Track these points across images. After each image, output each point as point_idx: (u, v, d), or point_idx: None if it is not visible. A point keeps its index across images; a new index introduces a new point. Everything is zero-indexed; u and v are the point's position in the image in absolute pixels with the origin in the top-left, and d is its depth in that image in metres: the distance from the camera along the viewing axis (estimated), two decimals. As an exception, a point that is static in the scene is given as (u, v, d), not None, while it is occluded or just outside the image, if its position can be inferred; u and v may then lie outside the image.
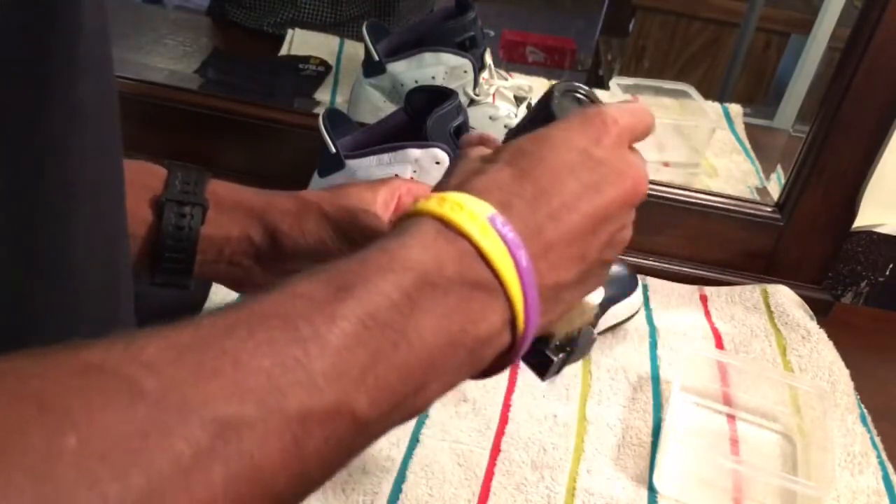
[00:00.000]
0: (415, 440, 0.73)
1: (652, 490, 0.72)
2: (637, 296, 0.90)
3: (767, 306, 0.97)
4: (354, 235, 0.58)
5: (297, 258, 0.58)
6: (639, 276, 0.92)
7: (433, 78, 0.96)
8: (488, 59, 1.01)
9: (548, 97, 0.48)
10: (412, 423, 0.75)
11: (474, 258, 0.35)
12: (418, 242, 0.35)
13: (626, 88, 1.20)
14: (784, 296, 0.98)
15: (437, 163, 0.81)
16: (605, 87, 1.23)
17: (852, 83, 0.92)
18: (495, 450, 0.73)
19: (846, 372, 0.87)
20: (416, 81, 0.94)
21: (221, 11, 1.28)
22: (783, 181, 1.02)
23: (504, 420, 0.77)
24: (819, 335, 0.92)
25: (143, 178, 0.56)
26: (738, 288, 1.00)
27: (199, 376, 0.26)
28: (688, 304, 0.97)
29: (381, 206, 0.62)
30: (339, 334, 0.30)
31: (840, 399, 0.84)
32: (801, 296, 0.99)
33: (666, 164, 1.16)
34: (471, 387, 0.79)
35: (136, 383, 0.24)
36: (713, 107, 1.26)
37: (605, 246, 0.42)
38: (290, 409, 0.28)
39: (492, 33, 1.02)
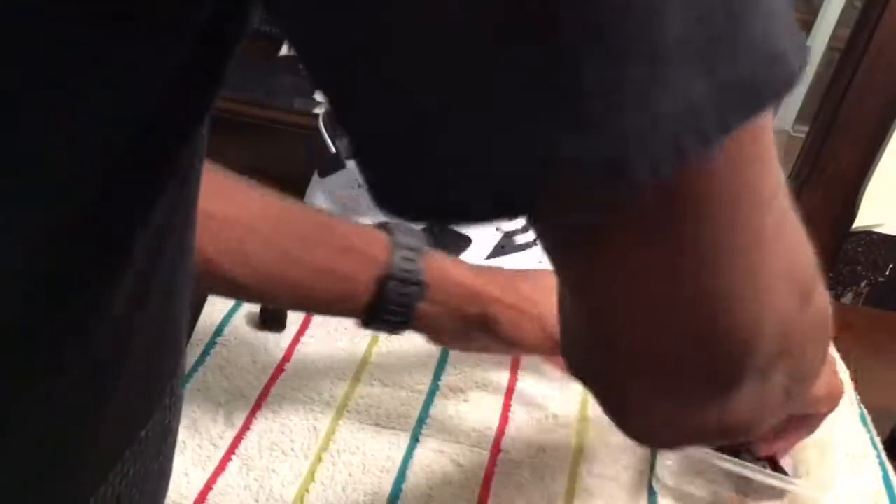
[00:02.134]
0: (415, 440, 0.73)
1: (652, 490, 0.72)
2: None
3: (767, 306, 0.97)
4: None
5: (507, 346, 0.66)
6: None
7: None
8: None
9: None
10: (412, 423, 0.75)
11: None
12: None
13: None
14: (784, 296, 0.98)
15: (437, 163, 0.81)
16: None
17: (852, 83, 0.92)
18: (495, 450, 0.73)
19: (846, 372, 0.87)
20: None
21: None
22: (783, 181, 1.02)
23: (504, 420, 0.77)
24: (819, 335, 0.92)
25: (367, 248, 0.61)
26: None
27: None
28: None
29: None
30: None
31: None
32: (801, 296, 0.98)
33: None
34: (471, 386, 0.79)
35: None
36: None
37: None
38: None
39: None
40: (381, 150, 0.24)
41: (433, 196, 0.23)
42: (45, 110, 0.27)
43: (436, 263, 0.63)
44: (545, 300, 0.65)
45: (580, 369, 0.32)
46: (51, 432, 0.34)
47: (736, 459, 0.68)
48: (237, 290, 0.61)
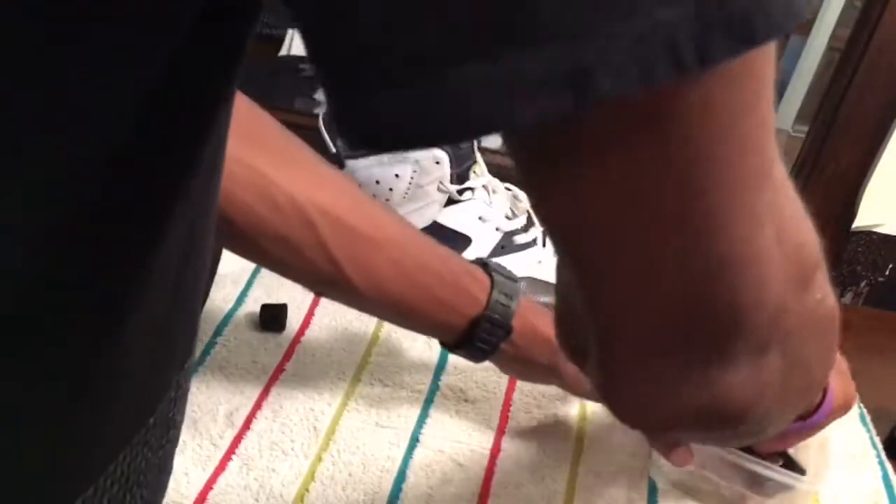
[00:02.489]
0: (415, 440, 0.73)
1: (652, 489, 0.72)
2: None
3: (767, 306, 0.97)
4: None
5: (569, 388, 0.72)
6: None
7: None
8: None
9: None
10: (412, 423, 0.75)
11: None
12: None
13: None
14: (784, 296, 0.98)
15: (437, 162, 0.81)
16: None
17: (852, 83, 0.92)
18: (496, 449, 0.73)
19: (846, 372, 0.87)
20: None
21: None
22: (783, 181, 1.02)
23: (504, 420, 0.77)
24: (819, 335, 0.92)
25: (471, 285, 0.66)
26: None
27: None
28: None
29: None
30: None
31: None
32: (801, 296, 0.99)
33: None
34: (471, 386, 0.79)
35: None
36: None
37: None
38: None
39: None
40: (352, 72, 0.23)
41: (402, 118, 0.22)
42: (40, 109, 0.27)
43: (524, 311, 0.68)
44: None
45: (572, 347, 0.32)
46: (52, 423, 0.34)
47: (743, 454, 0.68)
48: (350, 296, 0.64)
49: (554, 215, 0.27)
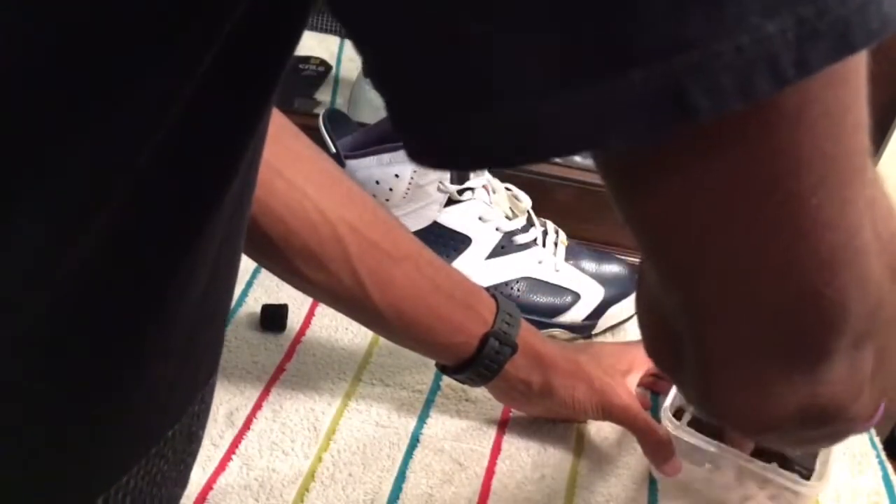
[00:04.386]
0: (415, 440, 0.73)
1: (653, 488, 0.72)
2: (637, 296, 0.90)
3: (767, 306, 0.97)
4: (613, 413, 0.71)
5: (563, 410, 0.72)
6: (639, 276, 0.92)
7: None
8: None
9: None
10: (412, 423, 0.75)
11: None
12: None
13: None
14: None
15: (438, 163, 0.81)
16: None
17: (852, 83, 0.92)
18: (496, 449, 0.74)
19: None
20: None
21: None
22: (783, 181, 1.02)
23: (505, 419, 0.77)
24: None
25: (479, 306, 0.68)
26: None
27: None
28: (688, 303, 0.97)
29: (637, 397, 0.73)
30: None
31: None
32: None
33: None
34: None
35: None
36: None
37: None
38: None
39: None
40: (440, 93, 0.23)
41: (494, 140, 0.23)
42: (70, 130, 0.27)
43: (522, 331, 0.69)
44: (597, 371, 0.72)
45: (663, 355, 0.32)
46: (73, 428, 0.35)
47: (744, 455, 0.68)
48: (368, 314, 0.65)
49: (650, 224, 0.27)
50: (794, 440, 0.39)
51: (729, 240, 0.25)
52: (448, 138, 0.23)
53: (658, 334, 0.32)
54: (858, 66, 0.24)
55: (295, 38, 0.31)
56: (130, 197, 0.29)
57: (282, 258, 0.61)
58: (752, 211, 0.25)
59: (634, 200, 0.26)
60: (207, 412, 0.44)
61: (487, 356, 0.67)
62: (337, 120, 0.84)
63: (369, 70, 0.24)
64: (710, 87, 0.21)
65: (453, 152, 0.24)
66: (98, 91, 0.26)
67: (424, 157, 0.24)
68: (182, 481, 0.44)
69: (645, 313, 0.32)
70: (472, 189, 0.88)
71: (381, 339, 0.83)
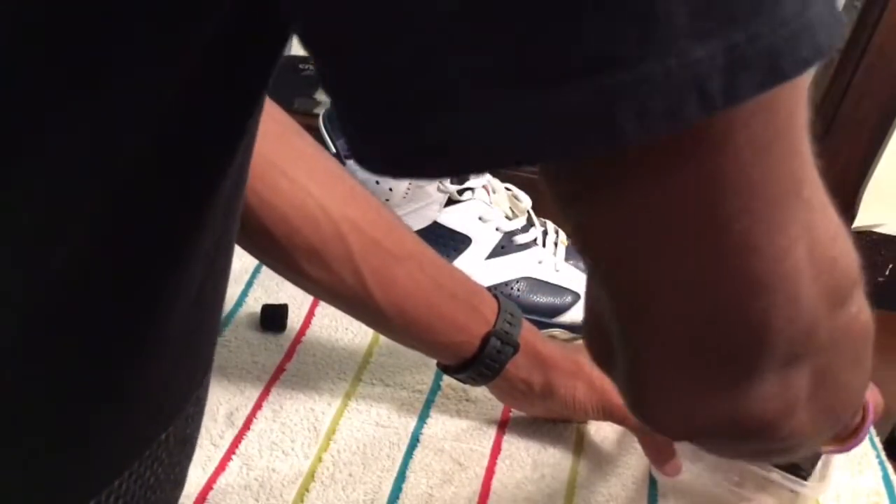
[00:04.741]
0: (415, 440, 0.73)
1: (653, 487, 0.72)
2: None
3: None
4: (613, 413, 0.71)
5: (564, 411, 0.72)
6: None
7: None
8: None
9: None
10: (412, 423, 0.75)
11: None
12: None
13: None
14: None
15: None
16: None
17: (852, 83, 0.92)
18: (496, 449, 0.73)
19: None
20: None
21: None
22: (783, 181, 1.02)
23: (505, 419, 0.77)
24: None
25: (481, 305, 0.67)
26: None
27: None
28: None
29: None
30: None
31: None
32: (801, 296, 0.98)
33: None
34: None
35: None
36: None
37: None
38: None
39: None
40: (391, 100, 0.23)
41: (446, 146, 0.22)
42: (57, 135, 0.27)
43: (524, 331, 0.69)
44: (598, 371, 0.69)
45: (600, 355, 0.32)
46: (64, 431, 0.34)
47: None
48: (371, 313, 0.65)
49: (582, 234, 0.27)
50: (731, 452, 0.40)
51: (654, 258, 0.26)
52: (383, 148, 0.23)
53: (594, 333, 0.32)
54: (793, 92, 0.23)
55: (280, 48, 0.31)
56: (121, 194, 0.29)
57: (284, 256, 0.61)
58: (677, 232, 0.25)
59: (567, 210, 0.27)
60: (202, 414, 0.44)
61: (489, 356, 0.67)
62: (337, 120, 0.83)
63: (323, 82, 0.24)
64: (637, 109, 0.21)
65: (388, 161, 0.24)
66: (80, 81, 0.26)
67: (369, 162, 0.24)
68: (178, 484, 0.44)
69: (587, 309, 0.33)
70: (472, 189, 0.88)
71: (382, 339, 0.83)
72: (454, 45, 0.21)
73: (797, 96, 0.24)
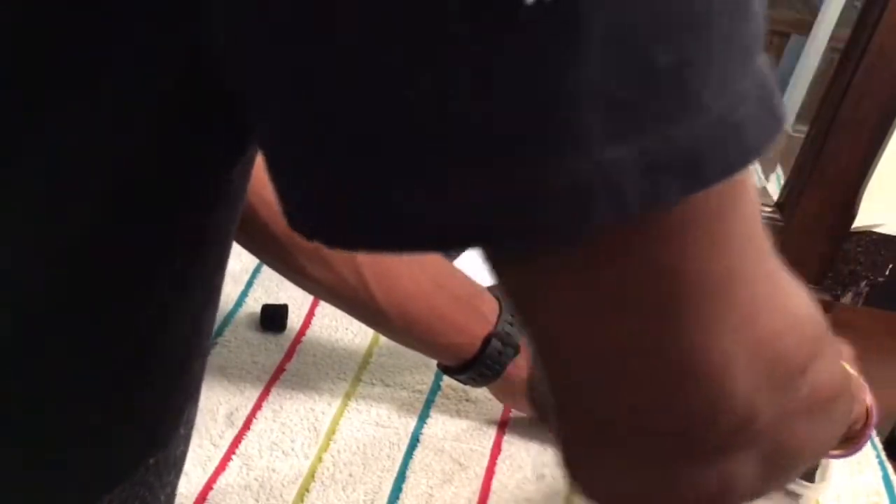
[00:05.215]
0: (415, 440, 0.73)
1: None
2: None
3: (767, 306, 0.97)
4: None
5: None
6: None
7: None
8: None
9: None
10: (412, 423, 0.75)
11: None
12: None
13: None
14: (784, 296, 0.98)
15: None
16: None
17: (852, 83, 0.92)
18: (496, 449, 0.73)
19: (846, 372, 0.87)
20: None
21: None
22: (783, 181, 1.02)
23: (505, 419, 0.77)
24: (819, 335, 0.92)
25: (482, 305, 0.67)
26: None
27: None
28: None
29: None
30: None
31: (840, 399, 0.84)
32: (801, 296, 0.98)
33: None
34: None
35: None
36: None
37: None
38: None
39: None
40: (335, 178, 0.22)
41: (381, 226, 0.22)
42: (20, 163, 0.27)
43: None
44: None
45: (539, 410, 0.32)
46: (58, 446, 0.34)
47: None
48: (372, 313, 0.65)
49: (518, 307, 0.26)
50: None
51: (579, 341, 0.25)
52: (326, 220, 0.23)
53: (534, 386, 0.32)
54: (731, 186, 0.22)
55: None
56: (121, 194, 0.29)
57: (286, 255, 0.61)
58: (606, 318, 0.24)
59: (499, 283, 0.26)
60: (191, 432, 0.44)
61: (490, 357, 0.67)
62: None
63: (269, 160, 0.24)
64: (548, 212, 0.20)
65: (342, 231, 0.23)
66: (80, 81, 0.26)
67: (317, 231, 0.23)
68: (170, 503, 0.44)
69: (532, 365, 0.32)
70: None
71: (382, 339, 0.83)
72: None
73: (737, 190, 0.23)
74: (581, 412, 0.28)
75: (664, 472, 0.28)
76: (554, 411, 0.29)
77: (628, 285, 0.23)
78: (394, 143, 0.20)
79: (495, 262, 0.25)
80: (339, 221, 0.22)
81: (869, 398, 0.58)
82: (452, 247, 0.22)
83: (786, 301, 0.27)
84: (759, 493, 0.32)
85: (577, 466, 0.30)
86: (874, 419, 0.57)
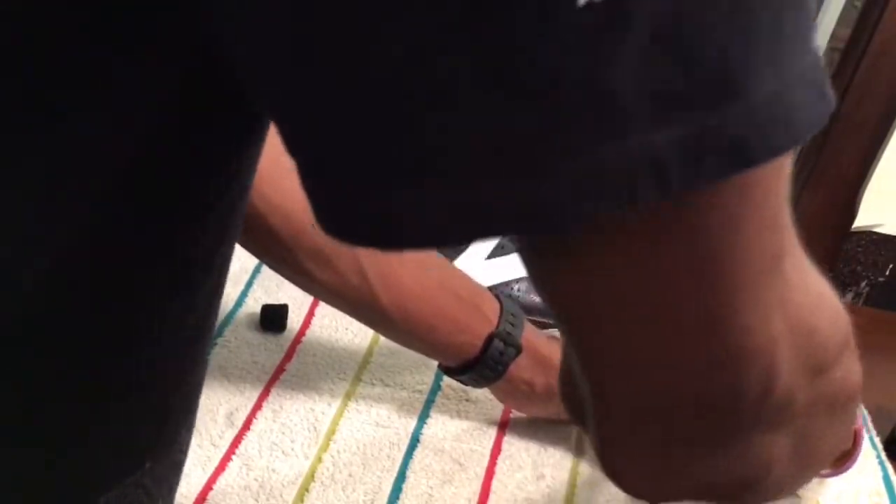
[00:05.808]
0: (415, 440, 0.73)
1: (652, 490, 0.72)
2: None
3: (767, 306, 0.97)
4: None
5: (561, 409, 0.69)
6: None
7: None
8: None
9: None
10: (412, 424, 0.75)
11: None
12: None
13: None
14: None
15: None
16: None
17: (852, 83, 0.92)
18: (496, 449, 0.73)
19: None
20: None
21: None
22: (783, 181, 1.02)
23: (505, 419, 0.77)
24: (819, 335, 0.92)
25: (483, 305, 0.67)
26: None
27: None
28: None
29: None
30: None
31: (840, 399, 0.84)
32: (801, 296, 0.98)
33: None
34: (471, 387, 0.79)
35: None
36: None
37: None
38: None
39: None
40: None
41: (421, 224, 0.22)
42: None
43: (526, 332, 0.68)
44: None
45: (573, 406, 0.32)
46: (57, 447, 0.34)
47: None
48: (375, 314, 0.65)
49: (557, 301, 0.27)
50: None
51: (621, 327, 0.25)
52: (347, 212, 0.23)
53: (567, 384, 0.32)
54: (770, 168, 0.23)
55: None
56: (121, 195, 0.29)
57: (289, 257, 0.61)
58: (645, 304, 0.25)
59: (541, 282, 0.26)
60: (191, 436, 0.44)
61: (492, 357, 0.67)
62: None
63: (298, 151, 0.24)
64: (594, 191, 0.20)
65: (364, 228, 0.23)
66: (80, 81, 0.26)
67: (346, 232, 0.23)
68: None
69: (563, 358, 0.32)
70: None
71: (382, 339, 0.83)
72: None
73: (775, 171, 0.23)
74: (623, 404, 0.28)
75: (709, 453, 0.29)
76: (592, 403, 0.29)
77: (679, 266, 0.24)
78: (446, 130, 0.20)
79: (536, 251, 0.25)
80: (378, 221, 0.22)
81: (858, 421, 0.58)
82: (500, 233, 0.22)
83: (819, 287, 0.28)
84: (787, 484, 0.32)
85: (617, 459, 0.30)
86: (862, 440, 0.57)
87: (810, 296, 0.27)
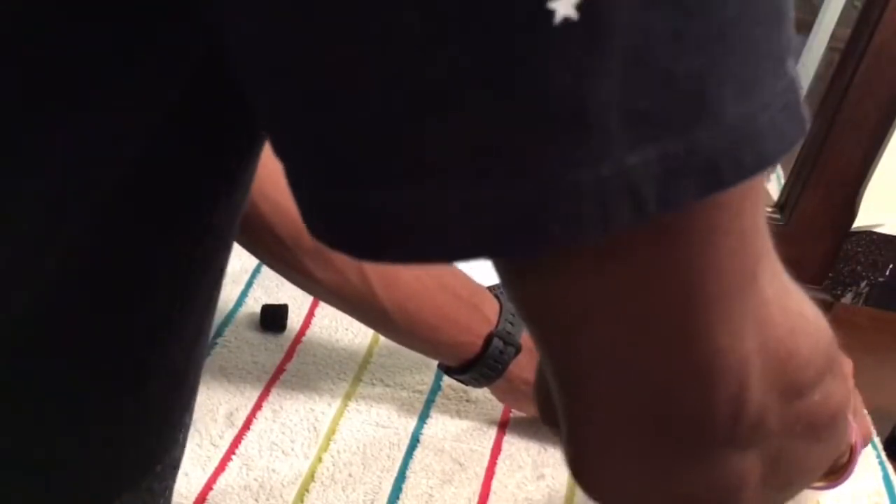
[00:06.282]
0: (415, 440, 0.73)
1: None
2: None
3: (767, 306, 0.97)
4: None
5: None
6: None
7: None
8: None
9: None
10: (412, 424, 0.75)
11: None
12: None
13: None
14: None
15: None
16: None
17: (852, 83, 0.92)
18: (496, 449, 0.73)
19: (846, 372, 0.87)
20: None
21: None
22: (783, 181, 1.02)
23: (505, 419, 0.77)
24: (819, 335, 0.92)
25: (483, 305, 0.68)
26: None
27: None
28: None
29: None
30: None
31: (840, 399, 0.84)
32: (801, 296, 0.98)
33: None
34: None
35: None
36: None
37: None
38: None
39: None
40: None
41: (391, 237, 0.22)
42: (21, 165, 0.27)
43: (526, 332, 0.68)
44: None
45: (547, 417, 0.32)
46: (69, 454, 0.34)
47: None
48: (376, 314, 0.65)
49: (526, 307, 0.27)
50: None
51: (592, 339, 0.25)
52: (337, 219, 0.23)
53: (541, 390, 0.32)
54: (744, 187, 0.23)
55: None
56: (121, 196, 0.29)
57: (290, 257, 0.61)
58: (617, 318, 0.25)
59: (505, 286, 0.27)
60: (188, 434, 0.44)
61: (492, 356, 0.67)
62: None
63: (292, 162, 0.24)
64: (567, 214, 0.20)
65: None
66: (79, 81, 0.26)
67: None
68: None
69: (539, 372, 0.33)
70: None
71: (382, 340, 0.83)
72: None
73: (749, 190, 0.23)
74: (591, 415, 0.28)
75: (676, 468, 0.28)
76: (564, 413, 0.29)
77: (651, 286, 0.24)
78: (413, 146, 0.20)
79: (512, 270, 0.25)
80: (359, 229, 0.22)
81: (855, 435, 0.58)
82: (471, 256, 0.22)
83: (801, 307, 0.28)
84: (766, 502, 0.32)
85: (585, 467, 0.30)
86: (858, 454, 0.57)
87: (789, 316, 0.27)
